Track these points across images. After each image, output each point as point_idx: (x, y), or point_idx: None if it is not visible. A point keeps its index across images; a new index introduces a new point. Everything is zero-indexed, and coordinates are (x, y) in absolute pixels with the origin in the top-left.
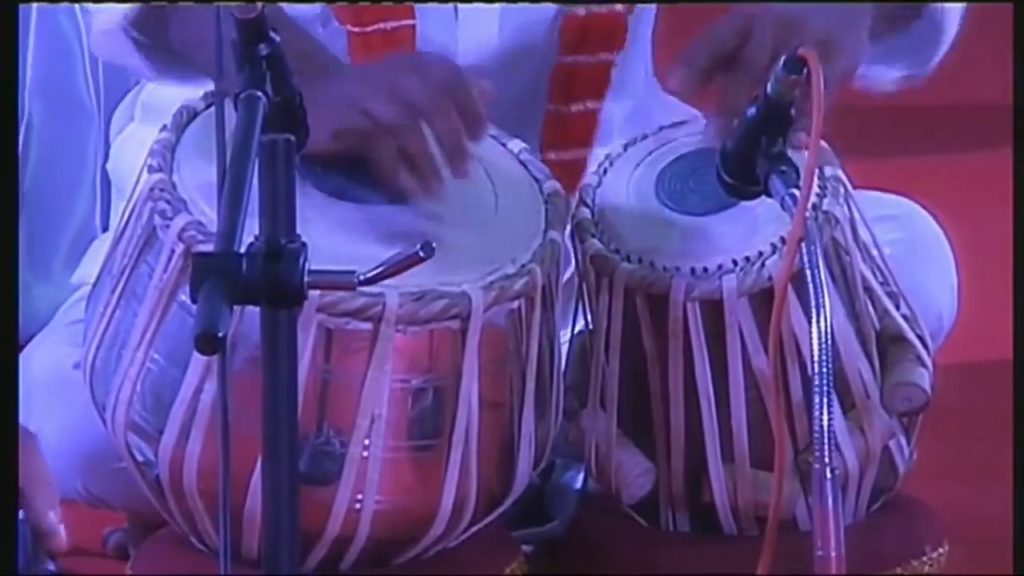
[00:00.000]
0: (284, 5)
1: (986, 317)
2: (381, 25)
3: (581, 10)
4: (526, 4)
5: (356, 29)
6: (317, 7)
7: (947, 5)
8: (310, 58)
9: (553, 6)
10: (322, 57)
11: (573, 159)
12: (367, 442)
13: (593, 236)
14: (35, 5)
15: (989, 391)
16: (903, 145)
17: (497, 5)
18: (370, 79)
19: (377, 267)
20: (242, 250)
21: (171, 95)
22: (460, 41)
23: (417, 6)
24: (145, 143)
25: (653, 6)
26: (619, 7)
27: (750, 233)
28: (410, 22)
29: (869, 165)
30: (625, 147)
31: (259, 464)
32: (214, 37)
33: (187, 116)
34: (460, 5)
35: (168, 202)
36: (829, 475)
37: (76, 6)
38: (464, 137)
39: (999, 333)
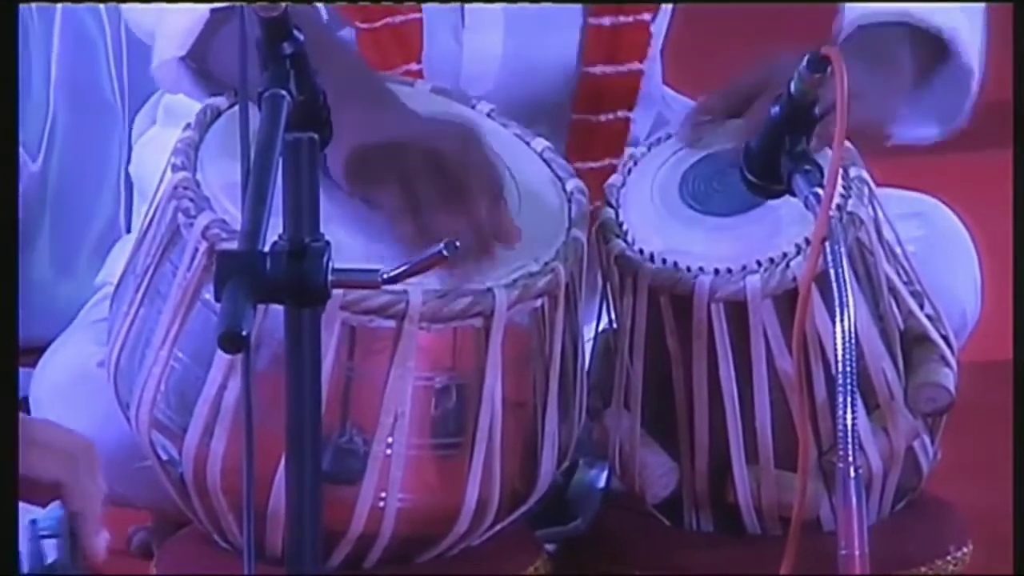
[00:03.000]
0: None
1: (1010, 314)
2: (389, 20)
3: (607, 20)
4: (532, 7)
5: (364, 25)
6: (325, 12)
7: (970, 47)
8: (366, 86)
9: (567, 15)
10: (376, 86)
11: (603, 168)
12: (390, 440)
13: (617, 236)
14: (59, 5)
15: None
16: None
17: (500, 8)
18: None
19: (401, 265)
20: (266, 249)
21: (192, 102)
22: (465, 43)
23: (425, 6)
24: (167, 146)
25: (668, 11)
26: (646, 15)
27: (774, 234)
28: (418, 16)
29: (891, 162)
30: (649, 147)
31: (283, 462)
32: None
33: (211, 115)
34: (467, 9)
35: (192, 200)
36: (853, 475)
37: (101, 6)
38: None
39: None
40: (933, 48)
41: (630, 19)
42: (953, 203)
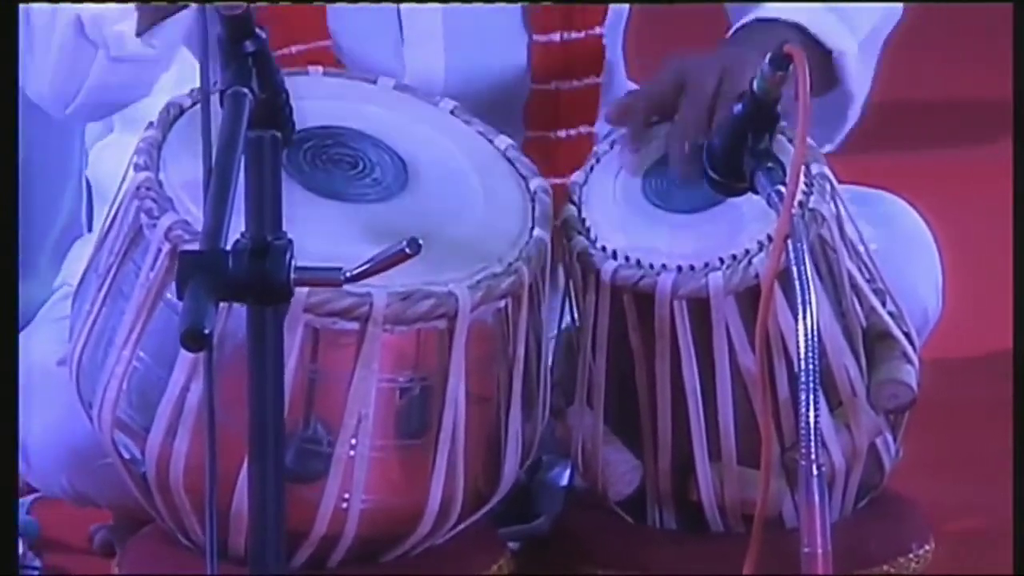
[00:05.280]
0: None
1: (972, 312)
2: (287, 50)
3: (555, 36)
4: (471, 21)
5: (297, 48)
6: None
7: (857, 75)
8: None
9: (507, 28)
10: None
11: (567, 184)
12: (354, 441)
13: (580, 234)
14: (22, 6)
15: (975, 387)
16: (887, 141)
17: (439, 22)
18: None
19: (364, 264)
20: (228, 247)
21: (150, 106)
22: (407, 59)
23: (345, 30)
24: (126, 151)
25: (624, 12)
26: (598, 29)
27: (736, 231)
28: (324, 43)
29: (853, 160)
30: (612, 144)
31: (246, 462)
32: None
33: (173, 113)
34: (405, 30)
35: (154, 201)
36: (816, 472)
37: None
38: None
39: (985, 328)
40: (821, 68)
41: (582, 34)
42: (915, 201)
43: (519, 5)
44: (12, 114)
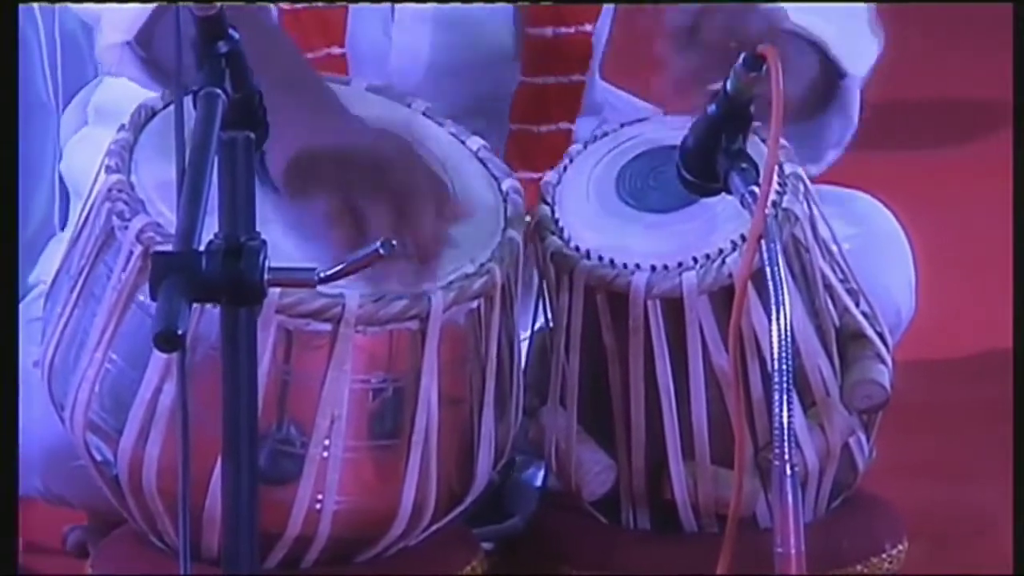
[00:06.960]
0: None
1: (946, 313)
2: (314, 2)
3: (548, 31)
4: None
5: (288, 6)
6: None
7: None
8: (310, 87)
9: (497, 17)
10: (319, 88)
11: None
12: (327, 442)
13: (553, 233)
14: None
15: (949, 387)
16: (860, 141)
17: (430, 15)
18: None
19: (337, 264)
20: (201, 248)
21: (123, 98)
22: (394, 37)
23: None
24: (100, 145)
25: (609, 16)
26: (588, 26)
27: (710, 230)
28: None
29: None
30: (585, 144)
31: (219, 464)
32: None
33: (145, 115)
34: (396, 8)
35: (126, 203)
36: (789, 472)
37: (35, 6)
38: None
39: (959, 329)
40: (826, 88)
41: (572, 30)
42: (888, 201)
43: None
44: (12, 115)
